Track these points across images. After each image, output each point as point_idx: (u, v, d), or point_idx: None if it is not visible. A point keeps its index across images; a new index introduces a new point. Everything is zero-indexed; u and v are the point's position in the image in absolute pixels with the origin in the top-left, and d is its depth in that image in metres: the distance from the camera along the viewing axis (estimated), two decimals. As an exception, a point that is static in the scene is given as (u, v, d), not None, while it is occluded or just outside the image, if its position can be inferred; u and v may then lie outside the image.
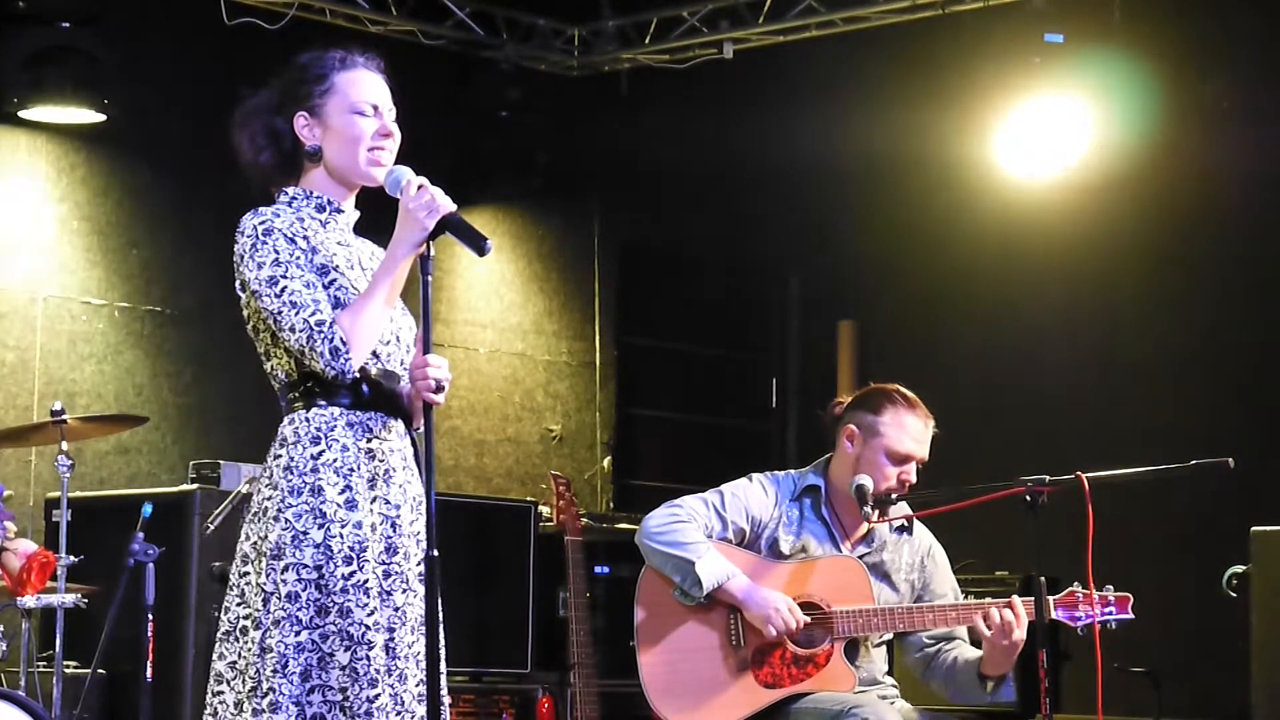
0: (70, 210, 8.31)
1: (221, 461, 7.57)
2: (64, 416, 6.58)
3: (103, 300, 8.37)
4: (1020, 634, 5.06)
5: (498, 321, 9.82)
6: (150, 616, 6.36)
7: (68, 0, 7.89)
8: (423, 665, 3.87)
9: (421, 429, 3.93)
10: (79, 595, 6.42)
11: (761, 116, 10.05)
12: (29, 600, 6.25)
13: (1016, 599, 5.10)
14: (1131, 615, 5.09)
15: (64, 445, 6.58)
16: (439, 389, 3.83)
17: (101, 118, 8.05)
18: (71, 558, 6.48)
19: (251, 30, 8.30)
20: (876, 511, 5.28)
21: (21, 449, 7.79)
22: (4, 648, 6.38)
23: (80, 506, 6.87)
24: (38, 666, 6.66)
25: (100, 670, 6.76)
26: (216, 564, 6.75)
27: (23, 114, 8.02)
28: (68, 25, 7.87)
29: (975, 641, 5.33)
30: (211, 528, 6.89)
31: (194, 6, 8.33)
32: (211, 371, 8.55)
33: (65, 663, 6.53)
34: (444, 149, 8.87)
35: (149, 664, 6.38)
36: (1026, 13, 8.32)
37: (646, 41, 9.52)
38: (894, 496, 5.26)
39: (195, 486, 7.42)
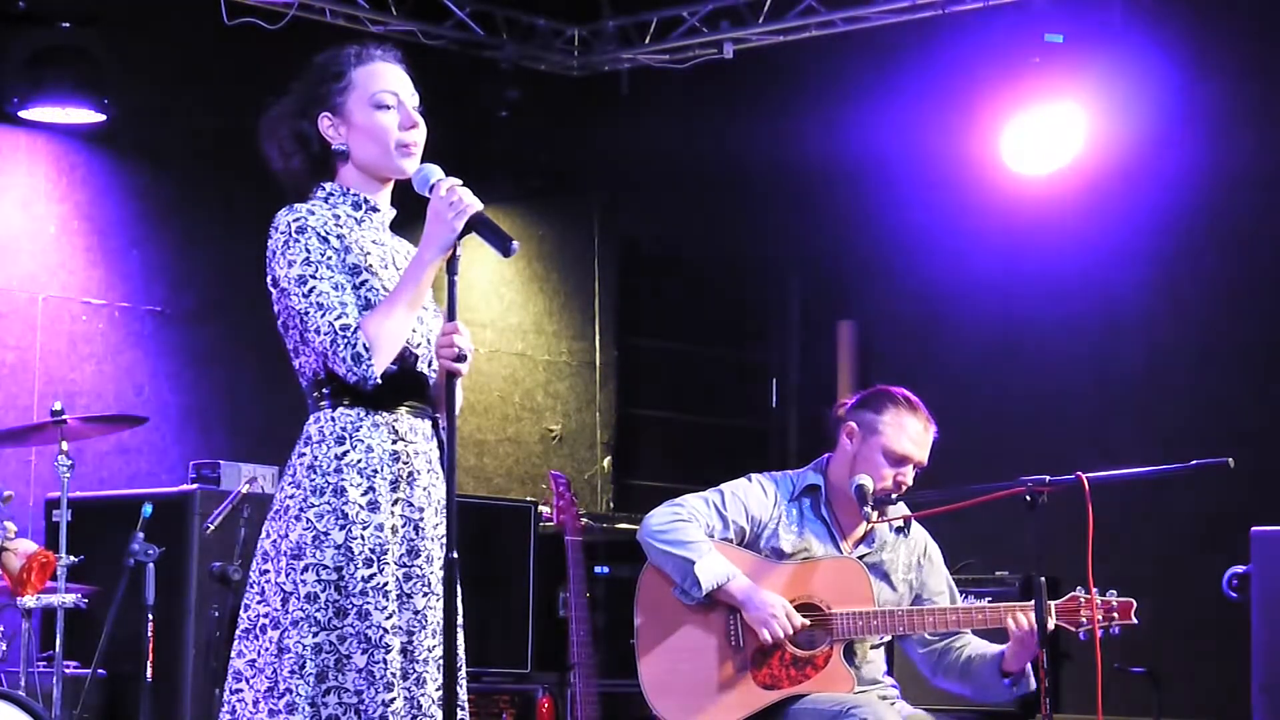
0: (70, 210, 8.31)
1: (221, 461, 7.57)
2: (64, 416, 6.58)
3: (103, 300, 8.37)
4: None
5: (498, 321, 9.82)
6: (150, 616, 6.37)
7: (68, 0, 7.89)
8: (442, 669, 3.86)
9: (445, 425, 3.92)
10: (79, 595, 6.42)
11: (761, 116, 10.05)
12: (29, 600, 6.25)
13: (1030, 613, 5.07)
14: (1135, 621, 5.09)
15: (64, 445, 6.58)
16: (461, 358, 3.81)
17: (101, 118, 8.05)
18: (71, 558, 6.48)
19: (251, 30, 8.29)
20: (876, 512, 5.29)
21: (21, 449, 7.79)
22: (4, 648, 6.38)
23: (80, 506, 6.87)
24: (38, 666, 6.66)
25: (100, 670, 6.76)
26: (216, 564, 6.74)
27: (23, 114, 8.02)
28: (68, 25, 7.87)
29: (981, 634, 5.33)
30: (211, 528, 6.89)
31: (194, 6, 8.33)
32: (211, 371, 8.55)
33: (65, 663, 6.53)
34: (444, 149, 8.86)
35: (149, 664, 6.38)
36: (1026, 13, 8.32)
37: (646, 41, 9.52)
38: (893, 496, 5.27)
39: (195, 486, 7.42)
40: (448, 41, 9.26)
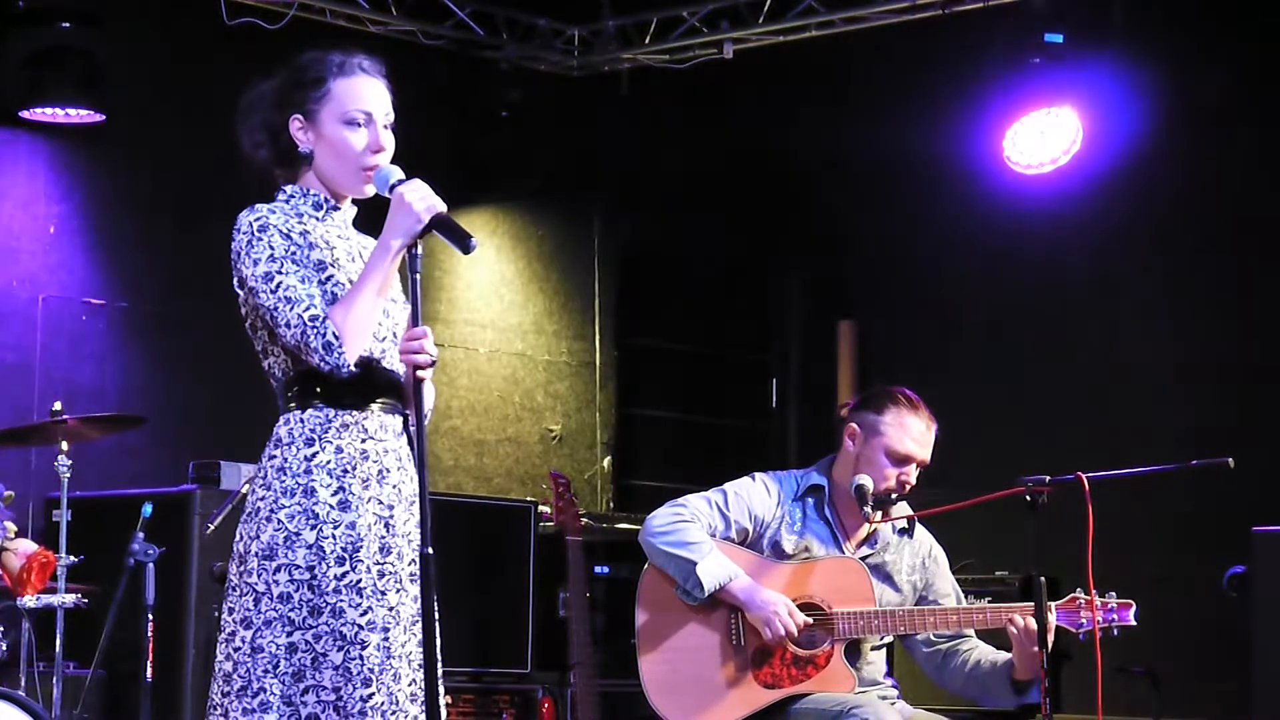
0: (70, 210, 8.31)
1: (221, 461, 7.56)
2: (64, 416, 6.57)
3: (102, 300, 8.37)
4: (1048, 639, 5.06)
5: (498, 321, 9.81)
6: (150, 616, 6.37)
7: (68, 0, 7.89)
8: (414, 665, 3.88)
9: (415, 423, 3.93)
10: (79, 595, 6.42)
11: (761, 116, 10.05)
12: (29, 600, 6.24)
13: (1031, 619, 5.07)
14: (1134, 623, 5.09)
15: (64, 445, 6.57)
16: (429, 364, 3.80)
17: (101, 118, 8.05)
18: (71, 558, 6.47)
19: (251, 30, 8.30)
20: (879, 512, 5.29)
21: (21, 449, 7.78)
22: (4, 648, 6.38)
23: (80, 506, 6.86)
24: (38, 666, 6.66)
25: (100, 670, 6.75)
26: (216, 564, 6.75)
27: (23, 114, 8.02)
28: (68, 25, 7.87)
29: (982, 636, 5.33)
30: (211, 528, 6.88)
31: (194, 6, 8.33)
32: (211, 371, 8.54)
33: (65, 663, 6.52)
34: (444, 149, 8.87)
35: (149, 664, 6.38)
36: (1026, 13, 8.32)
37: (646, 41, 9.52)
38: (894, 496, 5.27)
39: (195, 486, 7.42)
40: (448, 41, 9.26)
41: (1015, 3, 8.45)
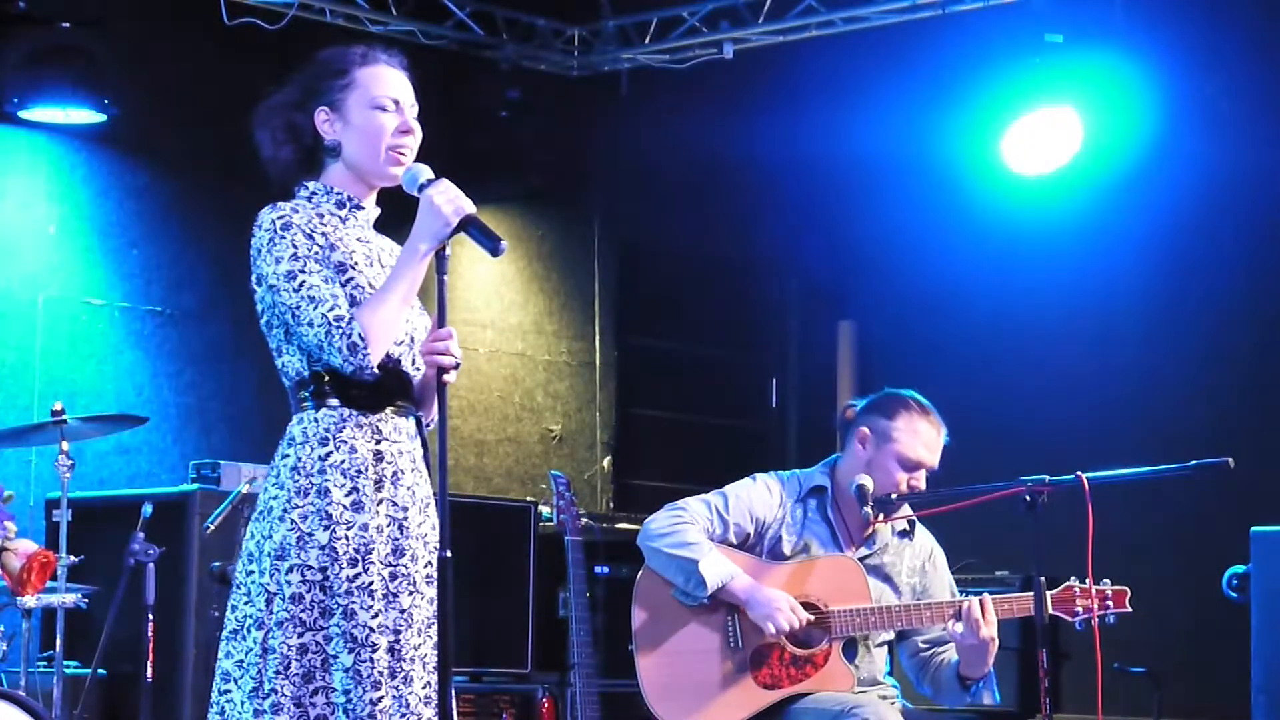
0: (70, 210, 8.31)
1: (221, 461, 7.56)
2: (64, 416, 6.57)
3: (103, 300, 8.37)
4: (988, 632, 5.06)
5: (498, 321, 9.81)
6: (150, 616, 6.37)
7: (68, 0, 7.89)
8: (428, 667, 3.87)
9: (434, 424, 3.93)
10: (79, 595, 6.42)
11: (761, 116, 10.05)
12: (29, 600, 6.24)
13: (987, 596, 5.10)
14: (1129, 609, 5.09)
15: (64, 445, 6.57)
16: (454, 366, 3.79)
17: (101, 118, 8.05)
18: (71, 558, 6.47)
19: (251, 30, 8.30)
20: (881, 513, 5.29)
21: (21, 449, 7.78)
22: (4, 647, 6.38)
23: (80, 506, 6.86)
24: (38, 666, 6.65)
25: (100, 670, 6.75)
26: (216, 564, 6.74)
27: (23, 114, 8.02)
28: (68, 25, 7.87)
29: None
30: (211, 528, 6.88)
31: (194, 6, 8.33)
32: (211, 371, 8.55)
33: (65, 663, 6.53)
34: (444, 149, 8.85)
35: (149, 664, 6.38)
36: (1026, 13, 8.33)
37: (646, 41, 9.52)
38: (893, 496, 5.27)
39: (195, 486, 7.42)
40: (448, 41, 9.26)
41: (1015, 3, 8.45)
